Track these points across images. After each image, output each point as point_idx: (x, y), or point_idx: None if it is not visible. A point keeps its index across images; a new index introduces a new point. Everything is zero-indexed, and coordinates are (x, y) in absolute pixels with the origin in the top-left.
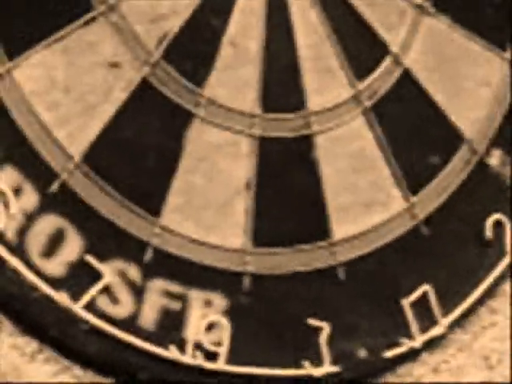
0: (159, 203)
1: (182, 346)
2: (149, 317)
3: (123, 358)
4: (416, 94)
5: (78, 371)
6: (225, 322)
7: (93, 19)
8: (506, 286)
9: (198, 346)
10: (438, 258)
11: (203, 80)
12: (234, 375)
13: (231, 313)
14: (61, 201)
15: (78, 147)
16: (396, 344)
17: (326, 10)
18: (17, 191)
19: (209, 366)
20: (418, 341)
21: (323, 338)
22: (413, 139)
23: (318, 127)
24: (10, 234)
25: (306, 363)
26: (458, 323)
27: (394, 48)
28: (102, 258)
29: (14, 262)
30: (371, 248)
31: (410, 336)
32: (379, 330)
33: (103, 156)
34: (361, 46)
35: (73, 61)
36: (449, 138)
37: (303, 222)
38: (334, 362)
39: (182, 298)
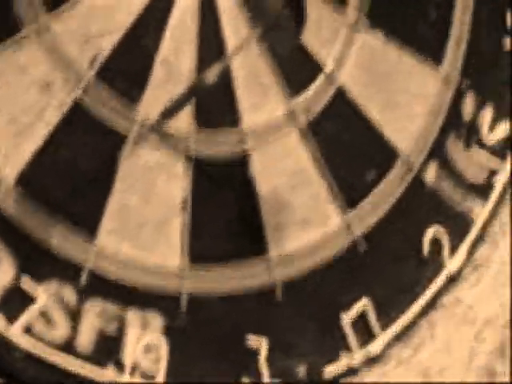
0: (95, 225)
1: (120, 368)
2: (86, 339)
3: (61, 382)
4: (351, 110)
5: None
6: (163, 343)
7: (23, 39)
8: (445, 300)
9: (136, 367)
10: (376, 274)
11: (136, 100)
12: None
13: (169, 333)
14: None
15: (10, 169)
16: (335, 360)
17: (257, 26)
18: None
19: None
20: (358, 356)
21: (262, 355)
22: (349, 155)
23: (253, 144)
24: None
25: (246, 380)
26: (397, 338)
27: (328, 64)
28: (36, 280)
29: None
30: (309, 266)
31: (349, 352)
32: (319, 347)
33: (37, 178)
34: (295, 63)
35: (4, 81)
36: (384, 154)
37: (240, 241)
38: (274, 378)
39: (119, 320)
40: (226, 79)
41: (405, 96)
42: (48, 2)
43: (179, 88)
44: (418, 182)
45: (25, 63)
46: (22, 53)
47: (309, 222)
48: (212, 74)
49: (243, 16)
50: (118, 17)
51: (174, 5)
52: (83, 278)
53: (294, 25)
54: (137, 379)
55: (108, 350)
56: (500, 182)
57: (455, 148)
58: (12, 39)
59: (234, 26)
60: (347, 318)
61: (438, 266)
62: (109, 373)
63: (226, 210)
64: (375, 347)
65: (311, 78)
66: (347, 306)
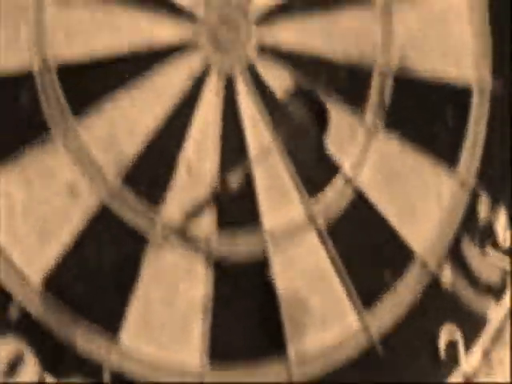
0: (118, 325)
1: None
2: None
3: None
4: (368, 213)
5: None
6: None
7: (50, 143)
8: None
9: None
10: (393, 375)
11: (160, 203)
12: None
13: None
14: (19, 323)
15: (36, 271)
16: None
17: (279, 133)
18: None
19: None
20: None
21: None
22: (366, 257)
23: (273, 247)
24: None
25: None
26: None
27: (347, 168)
28: (60, 379)
29: None
30: (327, 366)
31: None
32: None
33: (62, 280)
34: (314, 167)
35: (32, 187)
36: (401, 255)
37: (259, 341)
38: None
39: None
40: (247, 183)
41: (421, 199)
42: (75, 105)
43: (202, 191)
44: (434, 283)
45: (52, 167)
46: (49, 156)
47: (327, 322)
48: (234, 179)
49: (266, 123)
50: (142, 121)
51: (197, 110)
52: (106, 377)
53: (317, 133)
54: None
55: None
56: None
57: (470, 249)
58: (40, 142)
59: (256, 132)
60: None
61: (454, 366)
62: None
63: (246, 311)
64: None
65: (330, 182)
66: None
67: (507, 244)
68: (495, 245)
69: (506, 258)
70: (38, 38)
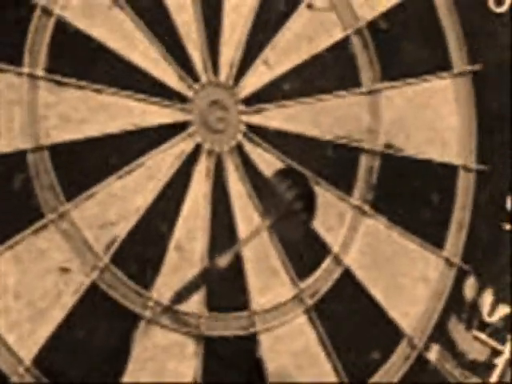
0: None
1: None
2: None
3: None
4: (356, 292)
5: None
6: None
7: (43, 227)
8: None
9: None
10: None
11: (150, 283)
12: None
13: None
14: None
15: (28, 351)
16: None
17: (268, 214)
18: None
19: None
20: None
21: None
22: (354, 336)
23: (261, 326)
24: None
25: None
26: None
27: (335, 248)
28: None
29: None
30: None
31: None
32: None
33: (53, 359)
34: (302, 247)
35: (24, 267)
36: (389, 334)
37: None
38: None
39: None
40: (236, 264)
41: (408, 279)
42: (68, 189)
43: (192, 272)
44: (421, 362)
45: (44, 249)
46: (42, 240)
47: None
48: (223, 260)
49: (255, 204)
50: (133, 203)
51: (187, 192)
52: None
53: (305, 214)
54: None
55: None
56: (501, 362)
57: (457, 329)
58: (33, 227)
59: (245, 214)
60: None
61: None
62: None
63: None
64: None
65: (318, 262)
66: None
67: (493, 324)
68: (482, 324)
69: (493, 339)
70: (31, 121)
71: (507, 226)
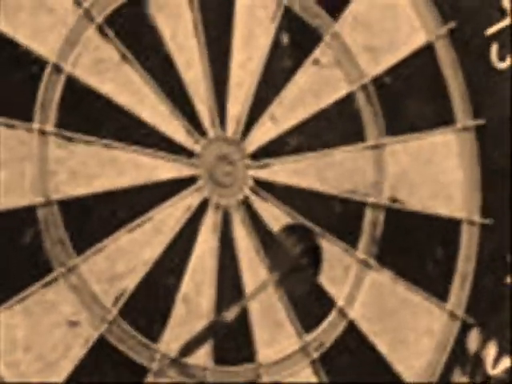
0: None
1: None
2: None
3: None
4: (361, 345)
5: None
6: None
7: (53, 281)
8: None
9: None
10: None
11: (158, 336)
12: None
13: None
14: None
15: None
16: None
17: (274, 268)
18: None
19: None
20: None
21: None
22: None
23: (267, 378)
24: None
25: None
26: None
27: (340, 301)
28: None
29: None
30: None
31: None
32: None
33: None
34: (308, 300)
35: (34, 320)
36: None
37: None
38: None
39: None
40: (243, 317)
41: (412, 332)
42: (77, 244)
43: (199, 325)
44: None
45: (54, 303)
46: (51, 293)
47: None
48: (230, 314)
49: (261, 259)
50: (141, 257)
51: (194, 245)
52: None
53: (311, 268)
54: None
55: None
56: None
57: (461, 381)
58: (43, 281)
59: (252, 268)
60: None
61: None
62: None
63: None
64: None
65: (323, 315)
66: None
67: (496, 377)
68: (485, 377)
69: None
70: (41, 176)
71: (509, 280)
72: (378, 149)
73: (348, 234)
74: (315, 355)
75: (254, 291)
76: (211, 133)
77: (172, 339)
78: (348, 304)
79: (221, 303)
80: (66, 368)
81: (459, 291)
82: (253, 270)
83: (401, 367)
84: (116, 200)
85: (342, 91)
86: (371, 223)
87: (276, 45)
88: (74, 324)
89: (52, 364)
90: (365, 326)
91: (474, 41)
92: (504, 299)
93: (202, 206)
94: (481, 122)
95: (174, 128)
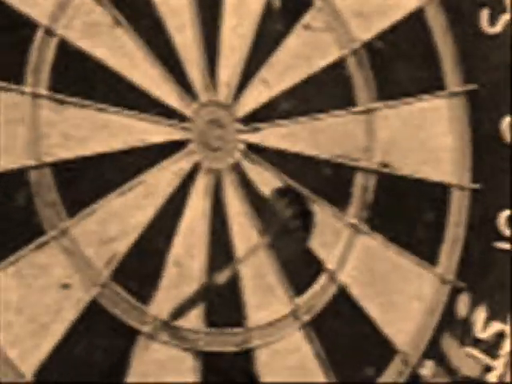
0: None
1: None
2: None
3: None
4: (351, 309)
5: None
6: None
7: (45, 243)
8: None
9: None
10: None
11: (149, 299)
12: None
13: None
14: None
15: (29, 366)
16: None
17: (265, 231)
18: None
19: None
20: None
21: None
22: (349, 352)
23: (258, 342)
24: None
25: None
26: None
27: (330, 265)
28: None
29: None
30: None
31: None
32: None
33: (53, 374)
34: (299, 264)
35: (25, 283)
36: (383, 350)
37: None
38: None
39: None
40: (234, 281)
41: (402, 296)
42: (69, 207)
43: (190, 288)
44: (414, 377)
45: (45, 265)
46: (43, 256)
47: None
48: (221, 276)
49: (252, 222)
50: (132, 220)
51: (185, 210)
52: None
53: (302, 231)
54: None
55: None
56: (493, 377)
57: (450, 345)
58: (34, 243)
59: (243, 231)
60: None
61: None
62: None
63: None
64: None
65: (314, 278)
66: None
67: (486, 341)
68: (475, 341)
69: (485, 355)
70: (33, 139)
71: (499, 245)
72: (368, 114)
73: (339, 199)
74: (305, 319)
75: (244, 255)
76: (203, 97)
77: (163, 302)
78: (338, 268)
79: (212, 266)
80: (58, 330)
81: (449, 255)
82: (244, 233)
83: (391, 330)
84: (107, 163)
85: (332, 56)
86: (362, 188)
87: (267, 9)
88: (65, 286)
89: (44, 326)
90: (355, 290)
91: (464, 6)
92: (493, 264)
93: (194, 170)
94: (471, 87)
95: (165, 92)
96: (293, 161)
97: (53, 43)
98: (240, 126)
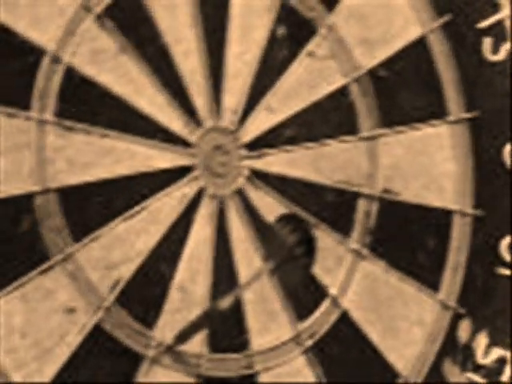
0: None
1: None
2: None
3: None
4: (353, 334)
5: None
6: None
7: (50, 268)
8: None
9: None
10: None
11: (153, 324)
12: None
13: None
14: None
15: None
16: None
17: (269, 257)
18: None
19: None
20: None
21: None
22: (351, 376)
23: (260, 367)
24: None
25: None
26: None
27: (333, 290)
28: None
29: None
30: None
31: None
32: None
33: None
34: (301, 289)
35: (31, 307)
36: (385, 375)
37: None
38: None
39: None
40: (237, 306)
41: (404, 322)
42: (74, 232)
43: (193, 313)
44: None
45: (51, 290)
46: (48, 280)
47: None
48: (225, 302)
49: (256, 249)
50: (137, 246)
51: (189, 235)
52: None
53: (305, 258)
54: None
55: None
56: None
57: (452, 371)
58: (40, 268)
59: (246, 257)
60: None
61: None
62: None
63: None
64: None
65: (316, 304)
66: None
67: (487, 367)
68: (476, 367)
69: (486, 381)
70: (39, 165)
71: (500, 271)
72: (371, 140)
73: (341, 225)
74: (308, 344)
75: (248, 280)
76: (207, 123)
77: (167, 327)
78: (341, 293)
79: (215, 292)
80: (62, 354)
81: (451, 281)
82: (247, 259)
83: (392, 356)
84: (112, 189)
85: (336, 83)
86: (364, 214)
87: (272, 36)
88: (70, 311)
89: (48, 350)
90: (357, 316)
91: (467, 34)
92: (494, 290)
93: (198, 196)
94: (474, 114)
95: (170, 118)
96: (296, 187)
97: (59, 70)
98: (244, 152)
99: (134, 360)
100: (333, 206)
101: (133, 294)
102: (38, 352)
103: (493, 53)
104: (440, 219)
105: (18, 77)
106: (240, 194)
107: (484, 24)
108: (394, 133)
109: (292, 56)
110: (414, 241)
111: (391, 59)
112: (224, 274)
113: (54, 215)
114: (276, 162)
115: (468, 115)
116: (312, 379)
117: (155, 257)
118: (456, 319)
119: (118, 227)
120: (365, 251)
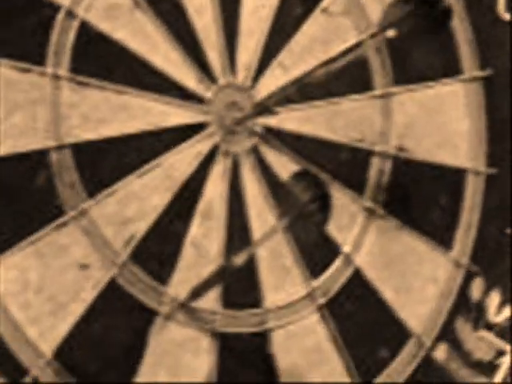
0: None
1: None
2: None
3: None
4: (366, 291)
5: None
6: None
7: (64, 223)
8: None
9: None
10: None
11: (167, 280)
12: None
13: None
14: None
15: (49, 345)
16: None
17: (283, 214)
18: None
19: None
20: None
21: None
22: (364, 334)
23: (274, 323)
24: None
25: None
26: None
27: (346, 248)
28: None
29: None
30: None
31: None
32: None
33: (72, 353)
34: (315, 247)
35: (45, 263)
36: (397, 333)
37: None
38: None
39: None
40: (251, 263)
41: (417, 279)
42: (89, 187)
43: (207, 269)
44: (428, 361)
45: (65, 246)
46: (63, 236)
47: None
48: (239, 258)
49: (270, 205)
50: (151, 202)
51: (204, 190)
52: None
53: (319, 214)
54: None
55: None
56: (506, 362)
57: (464, 329)
58: (54, 223)
59: (260, 214)
60: None
61: None
62: None
63: (248, 382)
64: None
65: (330, 261)
66: None
67: (499, 325)
68: (488, 325)
69: (498, 339)
70: (54, 120)
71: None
72: (385, 98)
73: (355, 182)
74: (321, 301)
75: (262, 237)
76: (221, 80)
77: (181, 283)
78: (354, 251)
79: (229, 248)
80: (77, 310)
81: (464, 240)
82: (261, 216)
83: (405, 314)
84: (127, 145)
85: (350, 40)
86: (378, 172)
87: None
88: (84, 267)
89: (63, 306)
90: (370, 273)
91: None
92: (507, 249)
93: (212, 153)
94: (488, 72)
95: (185, 75)
96: (310, 144)
97: (74, 25)
98: (257, 108)
99: (149, 316)
100: (346, 163)
101: (147, 250)
102: (53, 307)
103: (508, 12)
104: (453, 178)
105: (32, 32)
106: (254, 151)
107: None
108: (407, 91)
109: (306, 13)
110: (428, 199)
111: (406, 16)
112: (238, 231)
113: (69, 171)
114: (289, 119)
115: (482, 73)
116: (325, 336)
117: (169, 213)
118: (468, 277)
119: (133, 183)
120: (378, 209)
